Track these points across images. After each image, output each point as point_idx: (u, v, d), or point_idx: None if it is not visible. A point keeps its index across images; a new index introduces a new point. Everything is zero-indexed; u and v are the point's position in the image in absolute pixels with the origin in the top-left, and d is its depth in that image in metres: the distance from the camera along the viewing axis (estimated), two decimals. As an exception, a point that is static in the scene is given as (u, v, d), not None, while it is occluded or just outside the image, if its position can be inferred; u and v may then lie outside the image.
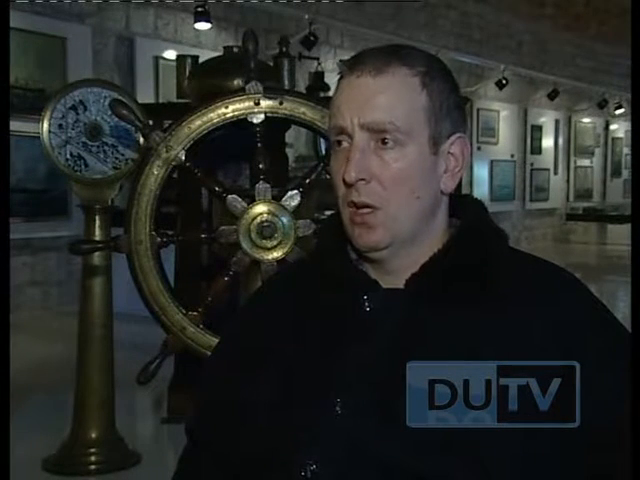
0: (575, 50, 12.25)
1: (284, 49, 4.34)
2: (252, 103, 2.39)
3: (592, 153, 13.38)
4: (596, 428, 0.96)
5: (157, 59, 6.63)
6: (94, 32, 6.18)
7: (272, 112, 2.40)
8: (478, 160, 10.40)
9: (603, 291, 7.03)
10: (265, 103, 2.39)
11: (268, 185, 2.36)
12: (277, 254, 2.37)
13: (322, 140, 5.72)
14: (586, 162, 13.24)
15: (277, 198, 2.37)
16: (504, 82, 9.69)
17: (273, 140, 2.79)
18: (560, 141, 12.49)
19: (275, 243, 2.36)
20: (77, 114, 2.74)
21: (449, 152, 1.04)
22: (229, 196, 2.36)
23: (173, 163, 2.39)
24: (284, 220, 2.36)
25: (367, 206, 1.01)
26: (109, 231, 2.77)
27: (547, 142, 12.13)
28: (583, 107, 12.54)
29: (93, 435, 2.80)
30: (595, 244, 12.39)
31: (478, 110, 10.38)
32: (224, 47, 3.61)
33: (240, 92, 2.41)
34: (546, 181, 12.13)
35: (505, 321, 0.99)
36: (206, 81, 3.23)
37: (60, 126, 2.73)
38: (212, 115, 2.40)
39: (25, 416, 3.16)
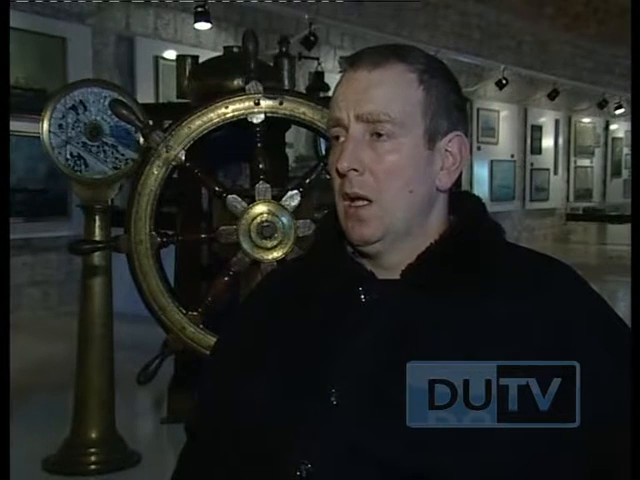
0: (575, 50, 12.26)
1: (284, 49, 4.35)
2: (252, 103, 2.38)
3: (592, 153, 13.38)
4: (596, 428, 0.96)
5: (157, 59, 6.63)
6: (94, 32, 6.18)
7: (272, 112, 2.39)
8: (478, 160, 10.40)
9: (603, 291, 6.97)
10: (265, 103, 2.39)
11: (268, 185, 2.36)
12: (277, 254, 2.37)
13: (322, 140, 5.72)
14: (586, 162, 13.24)
15: (277, 198, 2.37)
16: (504, 82, 9.69)
17: (273, 140, 2.79)
18: (560, 141, 12.50)
19: (275, 243, 2.36)
20: (77, 114, 2.74)
21: (446, 149, 1.04)
22: (229, 196, 2.36)
23: (173, 163, 2.38)
24: (284, 220, 2.36)
25: (360, 198, 1.02)
26: (109, 231, 2.78)
27: (547, 142, 12.13)
28: (583, 107, 12.53)
29: (93, 435, 2.80)
30: (595, 244, 12.39)
31: (478, 110, 10.39)
32: (224, 47, 3.61)
33: (240, 92, 2.41)
34: (546, 181, 12.13)
35: (502, 312, 0.99)
36: (206, 81, 3.23)
37: (60, 126, 2.73)
38: (212, 115, 2.39)
39: (25, 416, 3.15)
